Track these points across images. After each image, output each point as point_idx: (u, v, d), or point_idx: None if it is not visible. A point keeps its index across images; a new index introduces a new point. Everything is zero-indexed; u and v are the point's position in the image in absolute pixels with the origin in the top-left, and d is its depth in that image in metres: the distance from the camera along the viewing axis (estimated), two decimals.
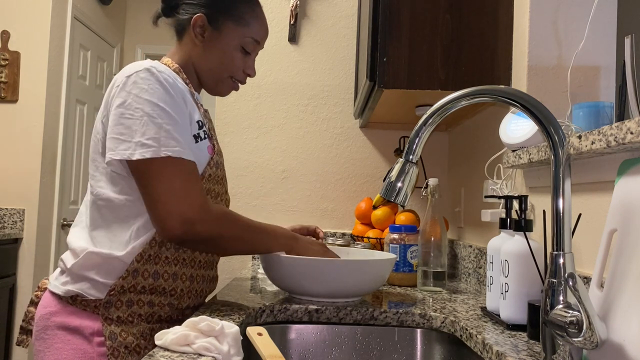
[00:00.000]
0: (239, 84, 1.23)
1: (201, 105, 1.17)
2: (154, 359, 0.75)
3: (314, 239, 1.29)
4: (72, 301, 1.03)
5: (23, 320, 1.14)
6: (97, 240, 1.04)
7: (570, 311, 0.67)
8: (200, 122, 1.10)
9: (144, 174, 0.99)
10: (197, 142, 1.08)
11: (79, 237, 1.07)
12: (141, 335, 1.03)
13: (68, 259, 1.05)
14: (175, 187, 0.98)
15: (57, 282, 1.06)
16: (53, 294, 1.06)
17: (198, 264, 1.12)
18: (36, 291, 1.14)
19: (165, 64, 1.13)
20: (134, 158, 0.97)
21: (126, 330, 1.01)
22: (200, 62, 1.17)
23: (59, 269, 1.09)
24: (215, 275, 1.22)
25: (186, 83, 1.14)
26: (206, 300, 1.23)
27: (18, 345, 1.14)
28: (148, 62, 1.04)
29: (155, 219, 0.99)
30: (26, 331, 1.13)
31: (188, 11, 1.15)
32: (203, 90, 1.24)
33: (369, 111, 1.81)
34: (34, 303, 1.12)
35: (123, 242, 1.03)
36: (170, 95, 1.01)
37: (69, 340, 1.01)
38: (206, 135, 1.10)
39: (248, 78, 1.24)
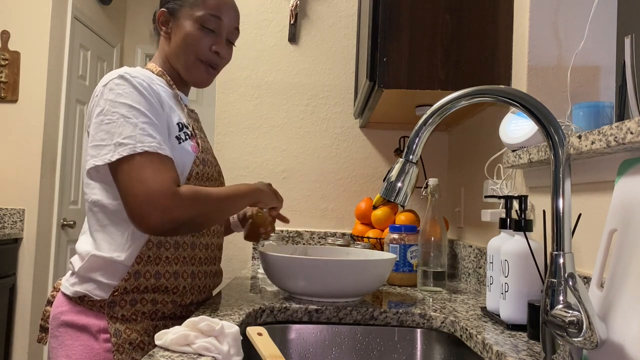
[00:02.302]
0: (214, 68, 1.20)
1: (186, 105, 1.19)
2: (154, 359, 0.75)
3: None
4: (80, 301, 1.07)
5: (41, 319, 1.19)
6: (98, 244, 1.08)
7: (570, 311, 0.67)
8: (180, 124, 1.12)
9: (120, 172, 1.00)
10: (180, 143, 1.10)
11: (84, 242, 1.11)
12: (145, 332, 1.07)
13: (76, 262, 1.10)
14: (145, 177, 0.98)
15: (67, 284, 1.11)
16: (64, 294, 1.11)
17: (199, 260, 1.15)
18: (52, 291, 1.19)
19: (149, 69, 1.17)
20: (113, 159, 0.99)
21: (130, 328, 1.05)
22: (171, 54, 1.18)
23: (69, 271, 1.14)
24: (219, 270, 1.25)
25: (170, 85, 1.17)
26: (213, 294, 1.26)
27: (38, 342, 1.20)
28: (123, 69, 1.07)
29: (130, 213, 1.00)
30: (44, 329, 1.18)
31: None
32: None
33: (369, 111, 1.81)
34: (50, 303, 1.17)
35: (121, 245, 1.06)
36: (144, 96, 1.04)
37: (78, 337, 1.05)
38: (187, 136, 1.12)
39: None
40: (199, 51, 1.16)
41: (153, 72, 1.16)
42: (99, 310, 1.05)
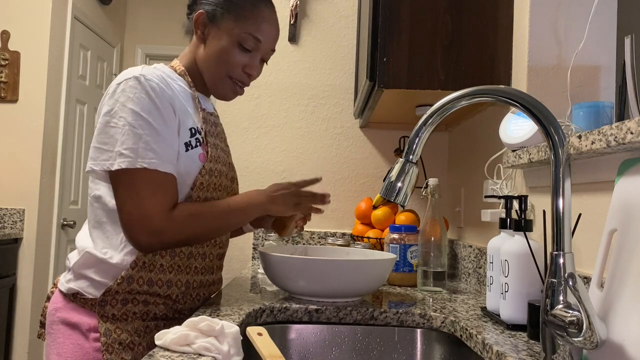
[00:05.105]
0: (241, 87, 1.17)
1: (203, 109, 1.15)
2: (154, 359, 0.75)
3: (280, 186, 1.18)
4: (73, 298, 1.07)
5: (41, 315, 1.19)
6: (94, 241, 1.07)
7: (570, 311, 0.67)
8: (193, 129, 1.08)
9: (118, 183, 1.01)
10: (187, 150, 1.06)
11: (83, 235, 1.11)
12: (135, 332, 1.05)
13: (73, 257, 1.10)
14: (141, 196, 0.99)
15: (63, 280, 1.10)
16: (60, 291, 1.10)
17: (194, 270, 1.12)
18: (52, 287, 1.18)
19: (172, 67, 1.15)
20: (113, 168, 0.99)
21: (121, 327, 1.04)
22: (201, 61, 1.14)
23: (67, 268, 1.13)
24: (217, 278, 1.22)
25: (190, 85, 1.13)
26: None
27: (38, 338, 1.19)
28: (138, 70, 1.04)
29: (123, 228, 1.01)
30: (43, 325, 1.17)
31: (195, 10, 1.14)
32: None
33: (369, 111, 1.81)
34: (49, 299, 1.17)
35: (115, 245, 1.06)
36: (155, 104, 1.01)
37: (69, 335, 1.05)
38: (198, 143, 1.08)
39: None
40: (230, 69, 1.13)
41: (175, 71, 1.13)
42: (90, 308, 1.04)
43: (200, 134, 1.10)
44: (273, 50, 1.19)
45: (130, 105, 1.00)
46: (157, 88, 1.03)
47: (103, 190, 1.07)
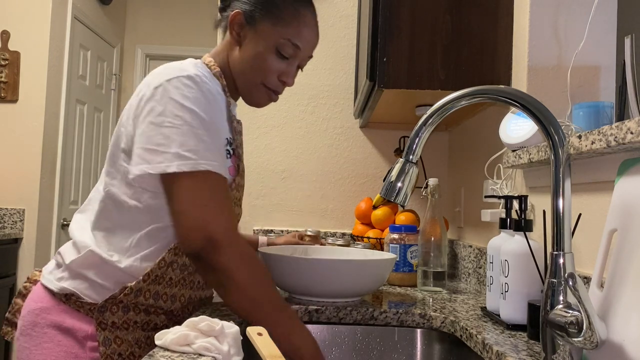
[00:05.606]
0: (276, 94, 1.12)
1: (233, 115, 1.10)
2: (154, 359, 0.75)
3: None
4: (65, 299, 0.98)
5: (9, 312, 1.07)
6: (98, 240, 1.00)
7: (570, 311, 0.67)
8: (227, 139, 1.04)
9: (175, 186, 0.91)
10: None
11: (83, 228, 1.02)
12: (136, 343, 0.99)
13: (68, 253, 1.01)
14: (204, 199, 0.90)
15: (51, 277, 1.00)
16: (46, 288, 1.00)
17: (197, 285, 1.08)
18: (25, 282, 1.07)
19: (207, 64, 1.07)
20: (170, 170, 0.89)
21: (121, 337, 0.97)
22: (235, 64, 1.08)
23: (54, 262, 1.04)
24: (211, 294, 1.17)
25: (225, 90, 1.07)
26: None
27: (3, 336, 1.07)
28: (190, 68, 0.97)
29: (178, 231, 0.92)
30: (11, 323, 1.07)
31: (233, 8, 1.07)
32: None
33: (369, 111, 1.81)
34: (21, 295, 1.06)
35: (124, 249, 0.98)
36: (211, 106, 0.96)
37: (60, 342, 0.96)
38: (229, 155, 1.03)
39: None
40: (266, 77, 1.07)
41: (210, 70, 1.05)
42: (86, 313, 0.96)
43: (231, 145, 1.05)
44: (310, 57, 1.13)
45: (188, 104, 0.92)
46: (214, 91, 0.98)
47: (119, 187, 0.99)
